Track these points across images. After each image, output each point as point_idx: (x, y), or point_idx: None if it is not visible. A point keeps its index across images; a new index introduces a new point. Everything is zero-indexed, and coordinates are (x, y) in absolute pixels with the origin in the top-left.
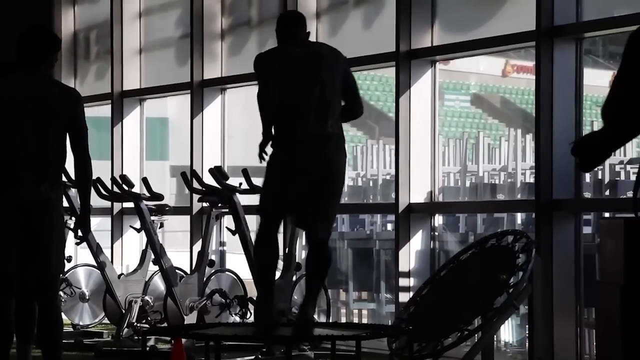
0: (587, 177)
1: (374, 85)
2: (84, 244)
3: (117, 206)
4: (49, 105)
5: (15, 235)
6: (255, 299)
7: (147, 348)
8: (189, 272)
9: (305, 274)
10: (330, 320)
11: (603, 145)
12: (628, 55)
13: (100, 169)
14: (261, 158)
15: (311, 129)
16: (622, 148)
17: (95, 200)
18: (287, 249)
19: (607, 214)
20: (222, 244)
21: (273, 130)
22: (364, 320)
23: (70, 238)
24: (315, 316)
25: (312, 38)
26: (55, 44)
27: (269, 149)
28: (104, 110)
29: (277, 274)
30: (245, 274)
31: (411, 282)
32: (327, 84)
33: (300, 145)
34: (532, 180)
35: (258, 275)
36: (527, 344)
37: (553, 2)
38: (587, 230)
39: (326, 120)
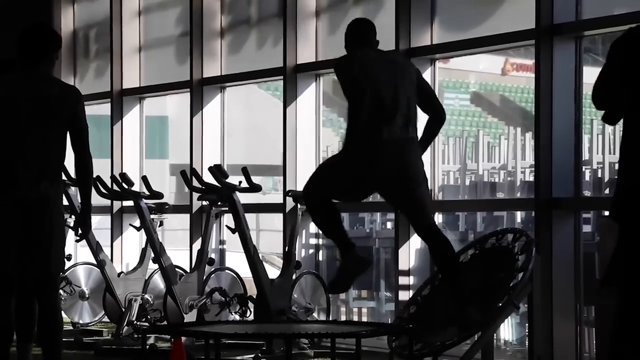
0: (587, 175)
1: None
2: (84, 242)
3: (117, 204)
4: (48, 104)
5: (15, 235)
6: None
7: (147, 346)
8: (188, 270)
9: (437, 270)
10: (330, 319)
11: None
12: (613, 59)
13: (100, 168)
14: None
15: (396, 133)
16: None
17: (95, 199)
18: (287, 248)
19: (606, 213)
20: (221, 242)
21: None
22: (364, 319)
23: (70, 236)
24: (315, 314)
25: (312, 36)
26: (55, 42)
27: None
28: (104, 109)
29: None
30: (245, 272)
31: (411, 280)
32: (407, 90)
33: (385, 147)
34: (531, 178)
35: (330, 231)
36: (526, 342)
37: (552, 1)
38: (586, 228)
39: (409, 126)
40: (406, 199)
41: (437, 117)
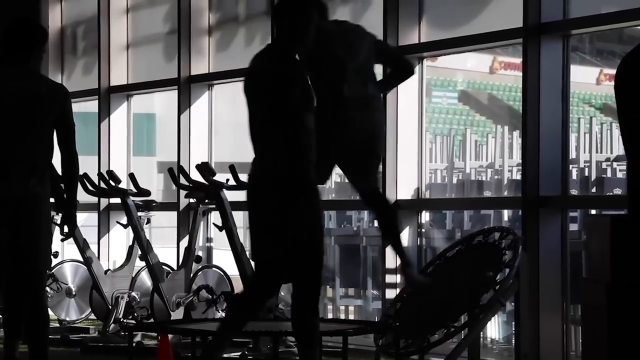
0: (574, 174)
1: None
2: (71, 240)
3: (104, 202)
4: (36, 101)
5: (3, 231)
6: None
7: (134, 344)
8: (175, 268)
9: (382, 235)
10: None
11: None
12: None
13: (87, 165)
14: None
15: (355, 91)
16: (608, 145)
17: (82, 196)
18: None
19: (593, 211)
20: (209, 240)
21: None
22: (351, 317)
23: (57, 234)
24: None
25: None
26: (40, 37)
27: None
28: (91, 106)
29: None
30: (232, 270)
31: (398, 278)
32: (361, 49)
33: (347, 106)
34: (519, 177)
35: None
36: (513, 340)
37: None
38: (573, 227)
39: (367, 83)
40: (364, 156)
41: (405, 70)
